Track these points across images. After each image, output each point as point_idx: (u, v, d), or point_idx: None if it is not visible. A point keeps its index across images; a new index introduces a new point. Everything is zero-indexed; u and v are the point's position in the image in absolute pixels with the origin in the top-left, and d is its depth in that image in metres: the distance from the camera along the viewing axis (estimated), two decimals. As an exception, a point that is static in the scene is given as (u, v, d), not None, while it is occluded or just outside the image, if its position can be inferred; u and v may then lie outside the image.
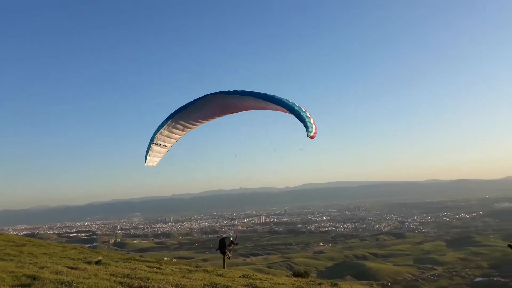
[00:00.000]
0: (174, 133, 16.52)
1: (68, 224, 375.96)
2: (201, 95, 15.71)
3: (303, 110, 15.25)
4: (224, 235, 17.26)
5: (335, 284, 14.78)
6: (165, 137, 16.10)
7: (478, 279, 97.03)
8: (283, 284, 14.10)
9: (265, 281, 14.55)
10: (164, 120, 15.98)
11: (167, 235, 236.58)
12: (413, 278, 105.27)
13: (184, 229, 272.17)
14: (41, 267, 13.79)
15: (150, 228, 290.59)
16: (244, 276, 16.24)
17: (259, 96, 14.73)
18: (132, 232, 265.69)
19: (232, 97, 15.45)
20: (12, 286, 10.10)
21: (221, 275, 15.98)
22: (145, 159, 16.09)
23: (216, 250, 18.00)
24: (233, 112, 16.25)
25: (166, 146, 16.21)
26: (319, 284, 14.86)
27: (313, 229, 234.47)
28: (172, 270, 16.24)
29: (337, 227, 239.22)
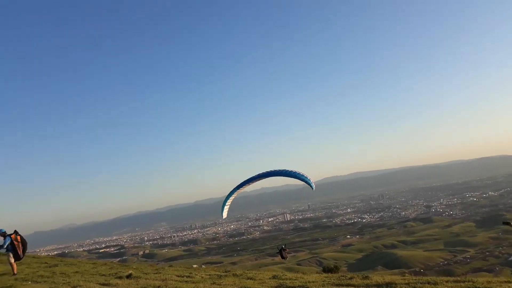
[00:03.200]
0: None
1: (96, 240, 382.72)
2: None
3: (304, 175, 21.49)
4: (282, 245, 24.44)
5: (366, 277, 14.60)
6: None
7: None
8: (313, 281, 14.00)
9: (295, 280, 14.48)
10: (234, 188, 22.89)
11: (194, 241, 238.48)
12: (445, 262, 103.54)
13: (210, 234, 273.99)
14: (74, 287, 14.03)
15: (177, 236, 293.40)
16: (274, 277, 16.20)
17: (285, 174, 21.29)
18: (160, 242, 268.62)
19: (273, 175, 21.88)
20: None
21: (251, 278, 15.99)
22: (222, 214, 22.71)
23: (276, 253, 24.16)
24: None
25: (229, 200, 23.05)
26: (350, 278, 14.70)
27: (338, 222, 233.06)
28: (202, 277, 16.32)
29: (363, 218, 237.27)
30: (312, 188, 21.22)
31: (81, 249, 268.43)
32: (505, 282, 12.14)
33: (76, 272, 18.96)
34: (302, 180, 21.24)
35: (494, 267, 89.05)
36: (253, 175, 22.62)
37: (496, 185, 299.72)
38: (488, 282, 12.14)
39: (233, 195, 22.77)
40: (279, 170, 21.55)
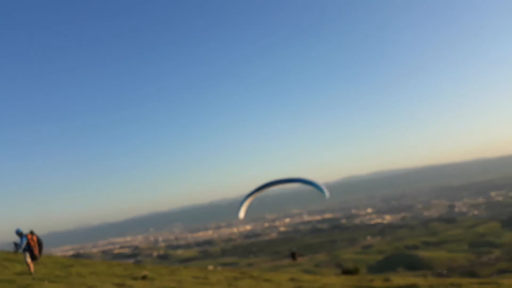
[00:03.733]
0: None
1: (111, 240, 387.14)
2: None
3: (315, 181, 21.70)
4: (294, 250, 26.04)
5: (387, 279, 14.09)
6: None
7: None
8: (332, 284, 13.55)
9: (313, 283, 14.08)
10: (252, 191, 23.77)
11: (209, 242, 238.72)
12: (470, 263, 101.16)
13: (226, 235, 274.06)
14: (90, 287, 13.94)
15: (192, 237, 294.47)
16: (291, 279, 15.81)
17: (298, 181, 22.11)
18: (175, 243, 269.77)
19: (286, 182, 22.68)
20: None
21: (268, 280, 15.63)
22: (239, 215, 23.03)
23: (289, 256, 26.05)
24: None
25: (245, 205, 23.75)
26: (371, 280, 14.21)
27: (358, 222, 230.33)
28: (218, 279, 16.04)
29: (384, 218, 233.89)
30: (325, 197, 20.90)
31: (96, 250, 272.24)
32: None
33: (92, 272, 18.96)
34: (317, 187, 21.30)
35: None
36: (270, 180, 23.47)
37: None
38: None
39: (250, 197, 23.33)
40: (295, 178, 22.33)
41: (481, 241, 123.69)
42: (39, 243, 17.34)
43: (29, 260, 17.16)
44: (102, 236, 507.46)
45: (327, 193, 20.71)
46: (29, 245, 17.00)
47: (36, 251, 17.12)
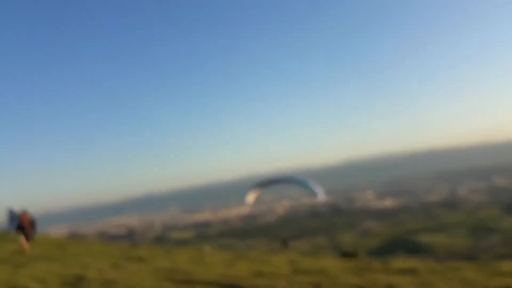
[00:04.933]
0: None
1: (106, 221, 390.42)
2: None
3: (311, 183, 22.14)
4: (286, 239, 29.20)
5: (387, 262, 13.98)
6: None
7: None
8: (331, 267, 13.39)
9: (311, 265, 13.97)
10: (256, 185, 24.39)
11: (206, 224, 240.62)
12: (470, 248, 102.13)
13: (223, 216, 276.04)
14: (85, 267, 13.84)
15: (188, 218, 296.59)
16: (289, 261, 15.69)
17: (295, 181, 23.38)
18: (171, 224, 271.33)
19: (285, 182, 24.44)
20: (60, 286, 10.21)
21: (265, 262, 15.51)
22: (246, 202, 23.62)
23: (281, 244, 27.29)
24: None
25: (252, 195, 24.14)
26: (370, 263, 14.08)
27: (358, 206, 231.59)
28: (214, 260, 15.94)
29: (384, 202, 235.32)
30: (318, 199, 21.10)
31: (91, 230, 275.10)
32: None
33: (87, 252, 18.95)
34: (311, 190, 21.12)
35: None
36: (268, 179, 25.05)
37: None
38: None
39: (258, 190, 23.48)
40: (292, 178, 23.82)
41: (482, 226, 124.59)
42: (33, 223, 17.29)
43: (22, 239, 17.13)
44: (98, 216, 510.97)
45: (320, 197, 20.52)
46: (23, 224, 16.93)
47: (29, 231, 17.08)
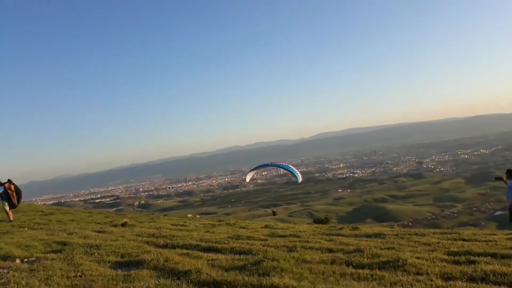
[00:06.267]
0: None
1: (92, 190, 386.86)
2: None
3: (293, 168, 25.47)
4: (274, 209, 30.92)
5: (356, 228, 14.98)
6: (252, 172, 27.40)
7: (498, 212, 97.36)
8: (304, 231, 14.36)
9: (286, 230, 14.84)
10: (255, 167, 27.57)
11: (189, 193, 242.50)
12: (433, 216, 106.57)
13: (205, 186, 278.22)
14: (70, 233, 14.28)
15: (172, 188, 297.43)
16: (266, 226, 16.60)
17: (281, 166, 26.35)
18: (155, 193, 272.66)
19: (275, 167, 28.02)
20: (44, 253, 10.47)
21: (244, 227, 16.36)
22: (246, 179, 28.18)
23: (273, 213, 31.19)
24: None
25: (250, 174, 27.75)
26: (340, 229, 15.08)
27: (331, 176, 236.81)
28: (196, 226, 16.67)
29: (355, 173, 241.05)
30: (298, 181, 25.04)
31: (77, 199, 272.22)
32: (489, 234, 12.59)
33: (72, 220, 19.30)
34: (293, 173, 25.23)
35: (480, 222, 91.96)
36: (258, 164, 28.40)
37: (488, 143, 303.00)
38: (473, 234, 12.55)
39: (254, 171, 27.62)
40: (277, 164, 27.40)
41: (446, 196, 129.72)
42: (17, 192, 17.40)
43: (7, 208, 17.29)
44: (83, 186, 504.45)
45: (300, 178, 24.80)
46: (7, 193, 17.06)
47: (14, 200, 17.23)
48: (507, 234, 12.41)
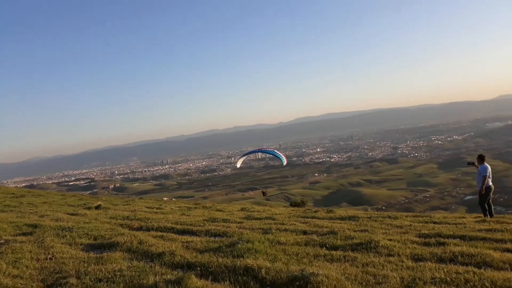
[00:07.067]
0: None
1: (66, 173, 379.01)
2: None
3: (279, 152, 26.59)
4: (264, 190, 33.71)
5: (331, 211, 15.24)
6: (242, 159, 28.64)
7: (468, 197, 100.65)
8: (280, 214, 14.49)
9: (262, 213, 14.96)
10: (244, 154, 28.96)
11: (166, 176, 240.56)
12: (406, 200, 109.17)
13: (182, 169, 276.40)
14: (42, 216, 14.01)
15: (148, 171, 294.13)
16: (242, 209, 16.68)
17: (267, 152, 27.86)
18: (131, 176, 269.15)
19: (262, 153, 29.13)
20: (14, 235, 10.26)
21: (220, 210, 16.39)
22: (237, 165, 28.77)
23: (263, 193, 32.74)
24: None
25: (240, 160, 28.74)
26: (315, 211, 15.30)
27: (308, 161, 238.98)
28: (171, 209, 16.59)
29: (332, 157, 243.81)
30: (283, 164, 25.99)
31: (50, 182, 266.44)
32: (459, 217, 13.06)
33: (44, 202, 18.91)
34: (278, 157, 26.53)
35: (451, 206, 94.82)
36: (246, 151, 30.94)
37: (461, 129, 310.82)
38: (444, 217, 12.98)
39: (243, 157, 28.99)
40: (264, 150, 28.78)
41: (419, 181, 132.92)
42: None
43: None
44: (57, 168, 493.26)
45: (285, 161, 26.06)
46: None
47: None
48: (476, 217, 12.88)
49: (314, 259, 6.98)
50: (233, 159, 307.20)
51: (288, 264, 6.49)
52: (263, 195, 36.34)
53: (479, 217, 12.82)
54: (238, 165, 29.23)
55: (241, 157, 29.23)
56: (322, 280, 5.29)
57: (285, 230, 10.15)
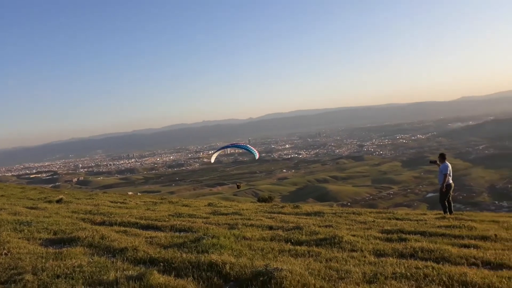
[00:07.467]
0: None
1: (27, 165, 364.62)
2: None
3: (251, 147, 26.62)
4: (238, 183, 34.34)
5: (297, 206, 15.41)
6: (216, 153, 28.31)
7: (429, 194, 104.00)
8: (247, 209, 14.51)
9: (229, 208, 14.93)
10: (218, 148, 29.13)
11: (132, 170, 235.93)
12: (371, 197, 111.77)
13: (149, 164, 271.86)
14: (-1, 209, 13.42)
15: (113, 164, 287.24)
16: (209, 204, 16.58)
17: (240, 147, 27.72)
18: (95, 169, 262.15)
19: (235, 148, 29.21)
20: None
21: (186, 205, 16.22)
22: (211, 159, 28.83)
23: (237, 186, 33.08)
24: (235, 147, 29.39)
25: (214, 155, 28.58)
26: (282, 207, 15.43)
27: (276, 157, 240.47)
28: (136, 203, 16.29)
29: (299, 154, 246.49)
30: (256, 158, 26.22)
31: (9, 174, 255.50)
32: (421, 214, 13.54)
33: (2, 195, 18.13)
34: (250, 151, 26.75)
35: (413, 203, 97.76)
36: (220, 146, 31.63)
37: (424, 128, 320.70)
38: (406, 214, 13.41)
39: (217, 152, 28.86)
40: (236, 144, 29.33)
41: (383, 178, 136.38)
42: None
43: None
44: (18, 160, 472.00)
45: (257, 155, 26.29)
46: None
47: None
48: (436, 214, 13.37)
49: (279, 254, 7.02)
50: (201, 154, 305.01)
51: (253, 259, 6.48)
52: (237, 188, 37.97)
53: (439, 214, 13.29)
54: (213, 160, 29.42)
55: (215, 151, 29.29)
56: (286, 275, 5.31)
57: (251, 225, 10.17)
